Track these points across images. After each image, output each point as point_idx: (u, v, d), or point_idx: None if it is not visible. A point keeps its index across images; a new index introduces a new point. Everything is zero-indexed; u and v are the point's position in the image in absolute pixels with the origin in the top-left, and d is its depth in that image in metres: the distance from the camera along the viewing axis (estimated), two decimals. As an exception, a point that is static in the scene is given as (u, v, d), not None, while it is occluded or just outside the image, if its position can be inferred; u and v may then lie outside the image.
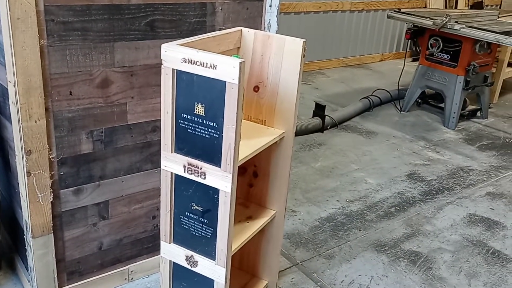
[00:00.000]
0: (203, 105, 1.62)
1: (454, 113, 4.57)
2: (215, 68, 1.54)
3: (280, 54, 1.93)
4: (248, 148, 1.85)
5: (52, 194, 1.94)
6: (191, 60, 1.57)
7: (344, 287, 2.41)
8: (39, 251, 1.99)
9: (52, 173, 1.92)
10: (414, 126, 4.60)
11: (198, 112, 1.63)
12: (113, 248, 2.20)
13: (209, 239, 1.78)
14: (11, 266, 2.31)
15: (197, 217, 1.77)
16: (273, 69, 1.96)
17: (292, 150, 2.04)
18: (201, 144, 1.67)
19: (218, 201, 1.70)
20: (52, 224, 1.98)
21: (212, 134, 1.63)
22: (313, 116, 4.25)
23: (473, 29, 4.28)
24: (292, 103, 1.96)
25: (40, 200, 1.92)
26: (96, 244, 2.15)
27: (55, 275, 2.06)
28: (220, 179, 1.66)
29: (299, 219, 2.94)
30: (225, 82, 1.54)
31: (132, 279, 2.31)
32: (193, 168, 1.70)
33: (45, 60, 1.77)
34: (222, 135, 1.61)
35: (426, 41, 4.69)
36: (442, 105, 4.82)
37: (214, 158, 1.66)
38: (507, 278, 2.57)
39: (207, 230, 1.77)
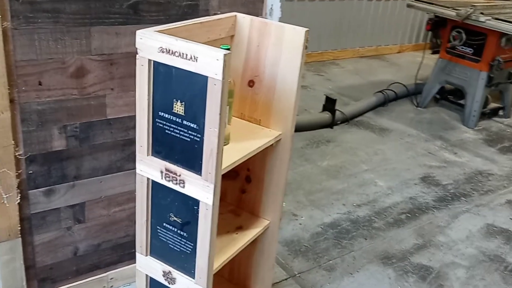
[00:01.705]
0: (183, 103, 1.39)
1: (475, 111, 4.28)
2: (196, 60, 1.31)
3: (279, 44, 1.69)
4: (239, 151, 1.62)
5: (19, 195, 1.74)
6: (169, 50, 1.34)
7: (345, 304, 2.19)
8: (4, 257, 1.79)
9: (19, 172, 1.71)
10: (431, 123, 4.32)
11: (177, 111, 1.41)
12: (90, 254, 2.00)
13: (189, 254, 1.56)
14: (-18, 267, 2.13)
15: (175, 229, 1.56)
16: (270, 61, 1.72)
17: (290, 154, 1.80)
18: (180, 147, 1.44)
19: (198, 213, 1.48)
20: (19, 228, 1.78)
21: (192, 137, 1.41)
22: (323, 110, 4.00)
23: (500, 21, 3.96)
24: (291, 101, 1.72)
25: (5, 202, 1.71)
26: (70, 249, 1.95)
27: (24, 282, 1.87)
28: (200, 188, 1.44)
29: (300, 224, 2.71)
30: (206, 77, 1.31)
31: (111, 287, 2.11)
32: (171, 174, 1.48)
33: (9, 45, 1.56)
34: (203, 139, 1.38)
35: (448, 33, 4.38)
36: (462, 102, 4.53)
37: (194, 164, 1.43)
38: (527, 300, 2.33)
39: (186, 244, 1.55)
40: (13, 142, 1.66)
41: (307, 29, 1.63)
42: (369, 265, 2.45)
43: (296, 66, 1.68)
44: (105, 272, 2.08)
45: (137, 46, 1.39)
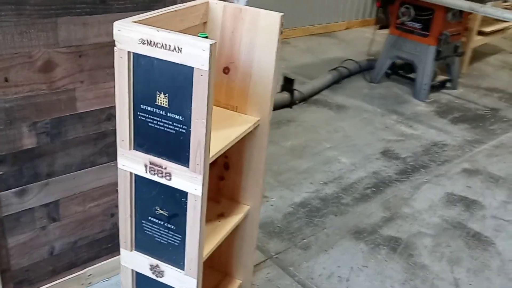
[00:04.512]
0: (166, 95, 1.36)
1: (425, 84, 4.43)
2: (180, 51, 1.28)
3: (253, 30, 1.68)
4: (220, 141, 1.60)
5: (-10, 197, 1.66)
6: (151, 42, 1.31)
7: (323, 281, 2.24)
8: (-22, 262, 1.72)
9: (-12, 173, 1.63)
10: (385, 98, 4.44)
11: (161, 103, 1.38)
12: (66, 252, 1.95)
13: (177, 246, 1.55)
14: (-51, 275, 2.02)
15: (162, 222, 1.54)
16: (245, 47, 1.71)
17: (267, 139, 1.81)
18: (165, 140, 1.42)
19: (186, 205, 1.47)
20: (-8, 231, 1.71)
21: (177, 129, 1.38)
22: (281, 90, 4.02)
23: (446, -4, 4.10)
24: (268, 86, 1.72)
25: (-24, 205, 1.64)
26: (46, 249, 1.89)
27: (0, 286, 1.80)
28: (188, 180, 1.42)
29: (271, 205, 2.74)
30: (192, 68, 1.29)
31: (90, 283, 2.07)
32: (156, 167, 1.46)
33: (-29, 41, 1.46)
34: (190, 131, 1.36)
35: (397, 9, 4.49)
36: (411, 75, 4.67)
37: (180, 156, 1.41)
38: (490, 262, 2.46)
39: (174, 237, 1.54)
40: (-19, 143, 1.58)
41: (282, 14, 1.63)
42: (342, 240, 2.52)
43: (272, 51, 1.67)
44: (83, 269, 2.03)
45: (115, 38, 1.34)
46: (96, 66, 1.75)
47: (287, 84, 3.98)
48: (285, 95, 3.95)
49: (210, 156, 1.49)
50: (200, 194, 1.42)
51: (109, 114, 1.83)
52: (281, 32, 1.66)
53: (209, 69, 1.27)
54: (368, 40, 4.68)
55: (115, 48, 1.34)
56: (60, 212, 1.86)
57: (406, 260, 2.43)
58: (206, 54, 1.25)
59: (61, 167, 1.80)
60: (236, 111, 1.80)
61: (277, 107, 3.91)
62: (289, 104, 3.99)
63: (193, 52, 1.27)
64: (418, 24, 4.38)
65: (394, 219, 2.74)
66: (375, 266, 2.37)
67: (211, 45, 1.25)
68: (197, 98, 1.31)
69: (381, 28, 5.71)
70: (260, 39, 1.67)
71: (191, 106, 1.33)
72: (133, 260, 1.63)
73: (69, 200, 1.87)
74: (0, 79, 1.55)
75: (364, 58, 4.95)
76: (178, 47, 1.28)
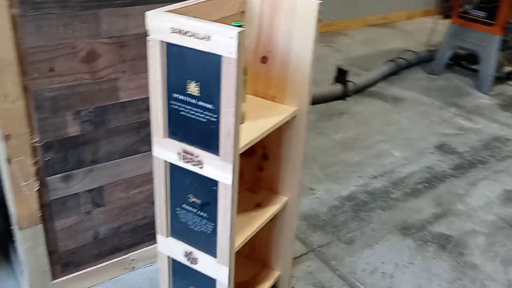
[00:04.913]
0: (197, 83, 1.37)
1: (489, 76, 4.21)
2: (209, 39, 1.28)
3: (291, 18, 1.65)
4: (255, 130, 1.60)
5: (37, 182, 1.74)
6: (181, 30, 1.32)
7: (366, 276, 2.19)
8: (27, 243, 1.81)
9: (36, 159, 1.71)
10: (444, 91, 4.25)
11: (192, 91, 1.39)
12: (110, 237, 2.02)
13: (209, 234, 1.56)
14: (6, 255, 2.15)
15: (195, 210, 1.55)
16: (283, 36, 1.69)
17: (306, 130, 1.78)
18: (197, 128, 1.43)
19: (217, 193, 1.48)
20: (40, 214, 1.79)
21: (208, 117, 1.39)
22: (335, 82, 3.95)
23: (513, -18, 3.86)
24: (306, 75, 1.69)
25: (25, 189, 1.72)
26: (91, 233, 1.96)
27: (48, 267, 1.89)
28: (219, 169, 1.43)
29: (317, 198, 2.71)
30: (220, 56, 1.28)
31: (133, 268, 2.13)
32: (188, 156, 1.47)
33: (19, 33, 1.53)
34: (220, 119, 1.37)
35: (460, -3, 4.29)
36: (475, 67, 4.45)
37: (211, 145, 1.42)
38: (549, 265, 2.31)
39: (206, 224, 1.55)
40: (28, 130, 1.66)
41: (320, 1, 1.59)
42: (388, 236, 2.45)
43: (310, 40, 1.64)
44: (126, 254, 2.09)
45: (147, 27, 1.36)
46: (138, 57, 1.79)
47: (341, 75, 3.91)
48: (338, 87, 3.88)
49: (242, 145, 1.49)
50: (230, 183, 1.43)
51: (151, 104, 1.87)
52: (319, 20, 1.62)
53: (237, 57, 1.26)
54: (429, 30, 4.51)
55: (148, 37, 1.37)
56: (104, 198, 1.93)
57: (455, 259, 2.32)
58: (234, 42, 1.25)
59: (104, 155, 1.86)
60: (274, 101, 1.78)
61: (329, 98, 3.85)
62: (342, 96, 3.92)
63: (221, 40, 1.26)
64: (483, 13, 4.16)
65: (446, 216, 2.63)
66: (421, 263, 2.29)
67: (239, 33, 1.24)
68: (226, 87, 1.31)
69: (445, 17, 5.47)
70: (297, 27, 1.65)
71: (220, 94, 1.33)
72: (168, 246, 1.66)
73: (113, 186, 1.93)
74: (45, 69, 1.62)
75: (424, 49, 4.77)
76: (207, 35, 1.28)
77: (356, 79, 4.06)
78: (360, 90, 4.04)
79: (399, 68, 4.51)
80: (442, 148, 3.31)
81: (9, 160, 1.66)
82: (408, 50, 4.69)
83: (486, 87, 4.24)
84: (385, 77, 4.38)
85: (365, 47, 5.25)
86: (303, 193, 2.72)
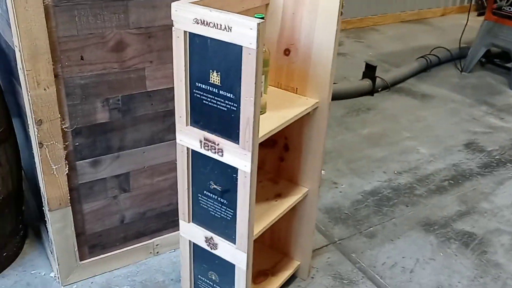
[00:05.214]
0: (219, 73, 1.41)
1: (523, 74, 4.12)
2: (230, 30, 1.32)
3: (314, 11, 1.68)
4: (276, 120, 1.63)
5: (67, 166, 1.82)
6: (204, 21, 1.36)
7: (385, 270, 2.20)
8: (57, 224, 1.90)
9: (66, 144, 1.79)
10: (476, 88, 4.18)
11: (214, 81, 1.43)
12: (136, 222, 2.09)
13: (229, 221, 1.61)
14: (38, 234, 2.25)
15: (216, 197, 1.60)
16: (306, 29, 1.71)
17: (326, 122, 1.80)
18: (218, 117, 1.47)
19: (237, 181, 1.52)
20: (69, 197, 1.88)
21: (229, 106, 1.43)
22: (363, 77, 3.94)
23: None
24: (328, 68, 1.72)
25: (55, 172, 1.81)
26: (117, 217, 2.04)
27: (76, 249, 1.98)
28: (238, 157, 1.47)
29: (340, 192, 2.72)
30: (241, 47, 1.32)
31: (157, 252, 2.20)
32: (210, 143, 1.52)
33: (51, 22, 1.61)
34: (240, 108, 1.41)
35: (494, -7, 4.20)
36: (509, 65, 4.36)
37: (232, 133, 1.46)
38: None
39: (226, 211, 1.60)
40: (59, 115, 1.73)
41: (342, -6, 1.61)
42: (410, 231, 2.45)
43: (332, 33, 1.66)
44: (151, 239, 2.16)
45: (172, 18, 1.41)
46: (164, 47, 1.84)
47: (369, 71, 3.89)
48: (366, 82, 3.87)
49: (262, 134, 1.52)
50: (249, 171, 1.47)
51: (176, 93, 1.92)
52: (341, 14, 1.64)
53: (257, 47, 1.30)
54: (463, 27, 4.44)
55: (172, 28, 1.42)
56: (130, 184, 2.00)
57: (478, 257, 2.31)
58: (254, 33, 1.28)
59: (131, 142, 1.93)
60: (296, 93, 1.81)
61: (357, 94, 3.85)
62: (371, 92, 3.90)
63: (242, 31, 1.30)
64: (518, 9, 4.07)
65: (470, 214, 2.60)
66: (443, 260, 2.28)
67: (258, 24, 1.27)
68: (246, 76, 1.35)
69: (480, 14, 5.36)
70: (320, 20, 1.67)
71: (240, 84, 1.37)
72: (190, 231, 1.72)
73: (139, 173, 2.00)
74: (76, 57, 1.70)
75: (457, 46, 4.69)
76: (228, 26, 1.32)
77: (385, 75, 4.04)
78: (389, 86, 4.01)
79: (430, 65, 4.45)
80: (471, 146, 3.27)
81: (40, 144, 1.74)
82: (440, 47, 4.63)
83: (520, 86, 4.15)
84: (415, 74, 4.33)
85: (397, 43, 5.20)
86: (326, 186, 2.74)
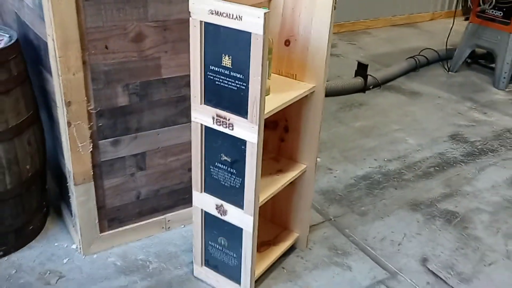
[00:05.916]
0: (230, 57, 1.64)
1: (505, 73, 4.38)
2: (241, 19, 1.56)
3: (311, 7, 1.92)
4: (278, 101, 1.86)
5: (91, 144, 2.04)
6: (218, 12, 1.59)
7: (376, 242, 2.43)
8: (81, 198, 2.11)
9: (91, 124, 2.01)
10: (461, 86, 4.45)
11: (226, 64, 1.66)
12: (150, 198, 2.31)
13: (238, 189, 1.83)
14: (58, 212, 2.46)
15: (226, 167, 1.83)
16: (304, 22, 1.95)
17: (322, 104, 2.04)
18: (229, 96, 1.70)
19: (245, 152, 1.75)
20: (92, 173, 2.09)
21: (239, 86, 1.66)
22: (355, 75, 4.19)
23: (529, -17, 4.03)
24: (323, 57, 1.95)
25: (81, 150, 2.02)
26: (134, 193, 2.25)
27: (97, 221, 2.19)
28: (247, 130, 1.70)
29: (335, 177, 2.95)
30: (250, 33, 1.56)
31: (169, 228, 2.41)
32: (221, 119, 1.75)
33: (81, 15, 1.83)
34: (248, 87, 1.64)
35: (478, -3, 4.47)
36: (493, 65, 4.62)
37: (241, 109, 1.69)
38: (547, 240, 2.50)
39: (235, 180, 1.82)
40: (85, 98, 1.96)
41: (336, -9, 1.85)
42: (398, 210, 2.68)
43: (327, 26, 1.90)
44: (163, 215, 2.38)
45: (190, 9, 1.65)
46: (179, 39, 2.07)
47: (361, 69, 4.14)
48: (359, 80, 4.12)
49: (267, 111, 1.75)
50: (256, 142, 1.69)
51: (188, 81, 2.13)
52: (334, 9, 1.88)
53: (264, 33, 1.53)
54: (451, 31, 4.70)
55: (190, 18, 1.65)
56: (146, 163, 2.22)
57: (460, 232, 2.54)
58: (261, 21, 1.52)
59: (147, 124, 2.15)
60: (295, 79, 2.05)
61: (350, 91, 4.09)
62: (362, 89, 4.15)
63: (251, 20, 1.54)
64: (499, 12, 4.34)
65: (453, 196, 2.84)
66: (428, 234, 2.51)
67: (265, 13, 1.51)
68: (254, 58, 1.58)
69: (467, 19, 5.63)
70: (316, 14, 1.91)
71: (249, 66, 1.60)
72: (202, 200, 1.94)
73: (154, 153, 2.22)
74: (101, 46, 1.92)
75: (444, 47, 4.96)
76: (239, 16, 1.55)
77: (376, 73, 4.29)
78: (380, 84, 4.26)
79: (419, 65, 4.71)
80: (455, 137, 3.51)
81: (69, 123, 1.96)
82: (429, 49, 4.89)
83: (502, 84, 4.40)
84: (404, 73, 4.59)
85: (387, 45, 5.46)
86: (322, 172, 2.97)
